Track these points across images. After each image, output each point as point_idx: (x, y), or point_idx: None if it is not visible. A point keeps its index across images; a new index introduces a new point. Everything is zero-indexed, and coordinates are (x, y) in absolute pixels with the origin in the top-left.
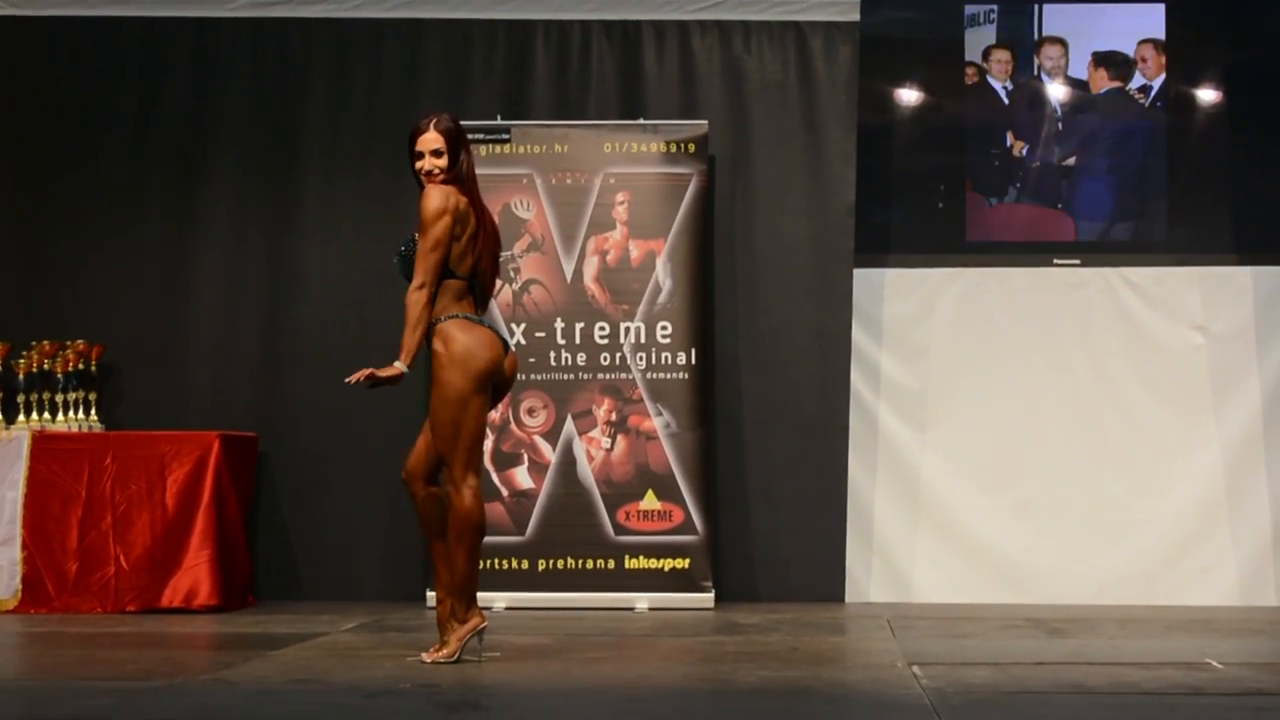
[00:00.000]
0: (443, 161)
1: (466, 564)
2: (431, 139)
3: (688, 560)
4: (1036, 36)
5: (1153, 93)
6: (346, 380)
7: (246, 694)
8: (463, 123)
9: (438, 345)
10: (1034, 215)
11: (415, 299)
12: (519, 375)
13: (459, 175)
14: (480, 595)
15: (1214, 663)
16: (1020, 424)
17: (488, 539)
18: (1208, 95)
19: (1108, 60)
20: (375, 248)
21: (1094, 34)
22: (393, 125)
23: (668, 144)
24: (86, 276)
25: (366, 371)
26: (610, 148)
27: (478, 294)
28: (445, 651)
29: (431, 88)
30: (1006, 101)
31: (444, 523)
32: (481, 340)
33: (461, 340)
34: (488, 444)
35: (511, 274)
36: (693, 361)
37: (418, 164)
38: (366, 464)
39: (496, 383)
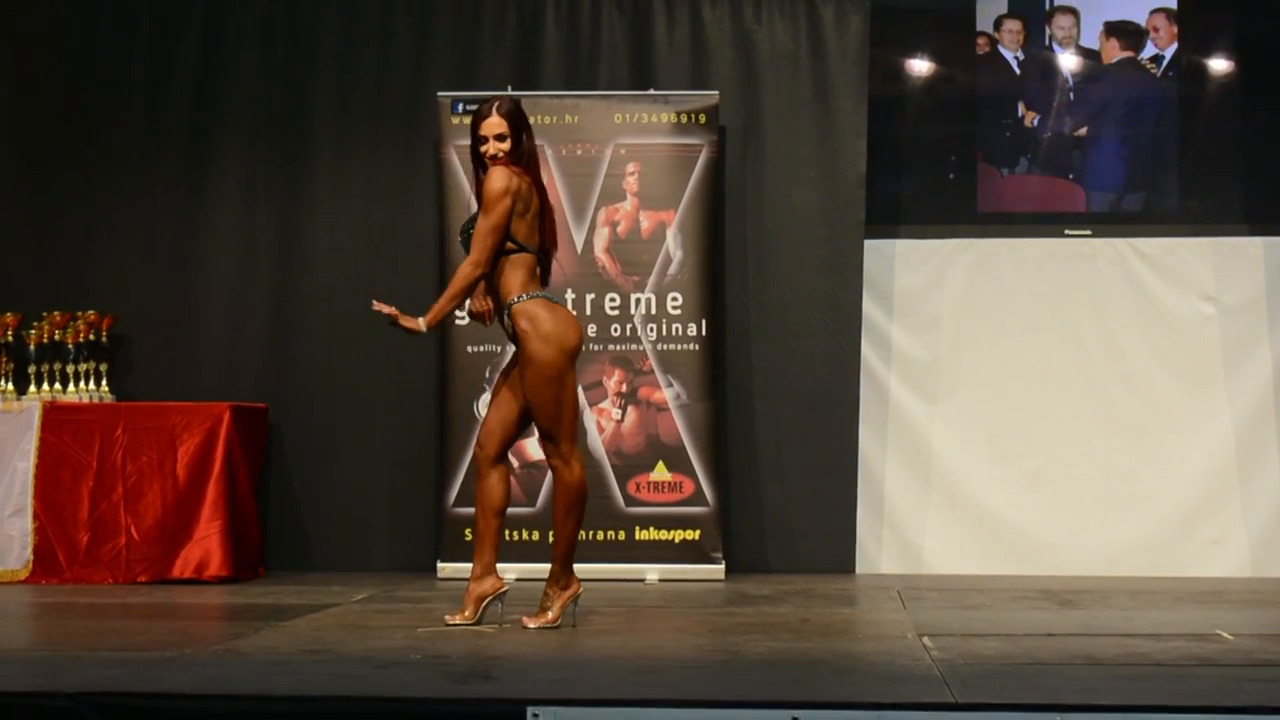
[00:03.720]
0: (505, 145)
1: (575, 531)
2: (495, 123)
3: (698, 531)
4: (1048, 6)
5: (1164, 63)
6: (373, 305)
7: (257, 664)
8: (472, 94)
9: (524, 325)
10: (1045, 186)
11: (465, 273)
12: None
13: (520, 157)
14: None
15: (1224, 634)
16: (1031, 395)
17: None
18: (1219, 65)
19: (1119, 30)
20: (385, 219)
21: (1105, 3)
22: (404, 96)
23: (678, 115)
24: (97, 247)
25: (393, 310)
26: (621, 118)
27: (545, 269)
28: (550, 617)
29: (442, 58)
30: (1018, 71)
31: (508, 499)
32: (567, 318)
33: (548, 319)
34: None
35: None
36: (703, 333)
37: (481, 148)
38: (377, 435)
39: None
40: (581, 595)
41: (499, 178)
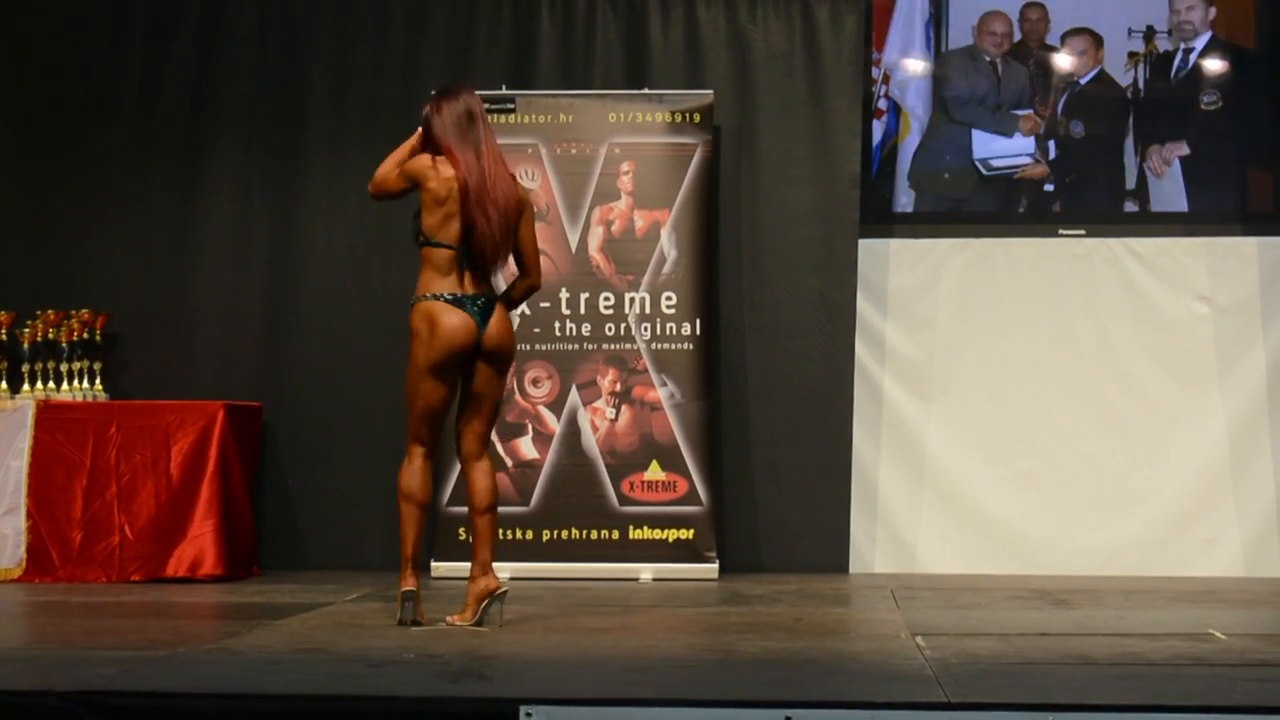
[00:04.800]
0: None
1: (400, 527)
2: None
3: (692, 531)
4: (1039, 5)
5: (1175, 64)
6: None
7: (250, 663)
8: None
9: (413, 323)
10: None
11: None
12: (522, 345)
13: (440, 143)
14: None
15: (1217, 633)
16: (1025, 395)
17: None
18: (1214, 66)
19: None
20: (380, 218)
21: (1098, 4)
22: (398, 94)
23: (673, 114)
24: (91, 246)
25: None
26: (615, 118)
27: (468, 265)
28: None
29: (437, 57)
30: (1009, 72)
31: (493, 497)
32: (445, 326)
33: (426, 325)
34: None
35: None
36: (697, 332)
37: None
38: (371, 434)
39: (485, 354)
40: (505, 593)
41: (421, 157)
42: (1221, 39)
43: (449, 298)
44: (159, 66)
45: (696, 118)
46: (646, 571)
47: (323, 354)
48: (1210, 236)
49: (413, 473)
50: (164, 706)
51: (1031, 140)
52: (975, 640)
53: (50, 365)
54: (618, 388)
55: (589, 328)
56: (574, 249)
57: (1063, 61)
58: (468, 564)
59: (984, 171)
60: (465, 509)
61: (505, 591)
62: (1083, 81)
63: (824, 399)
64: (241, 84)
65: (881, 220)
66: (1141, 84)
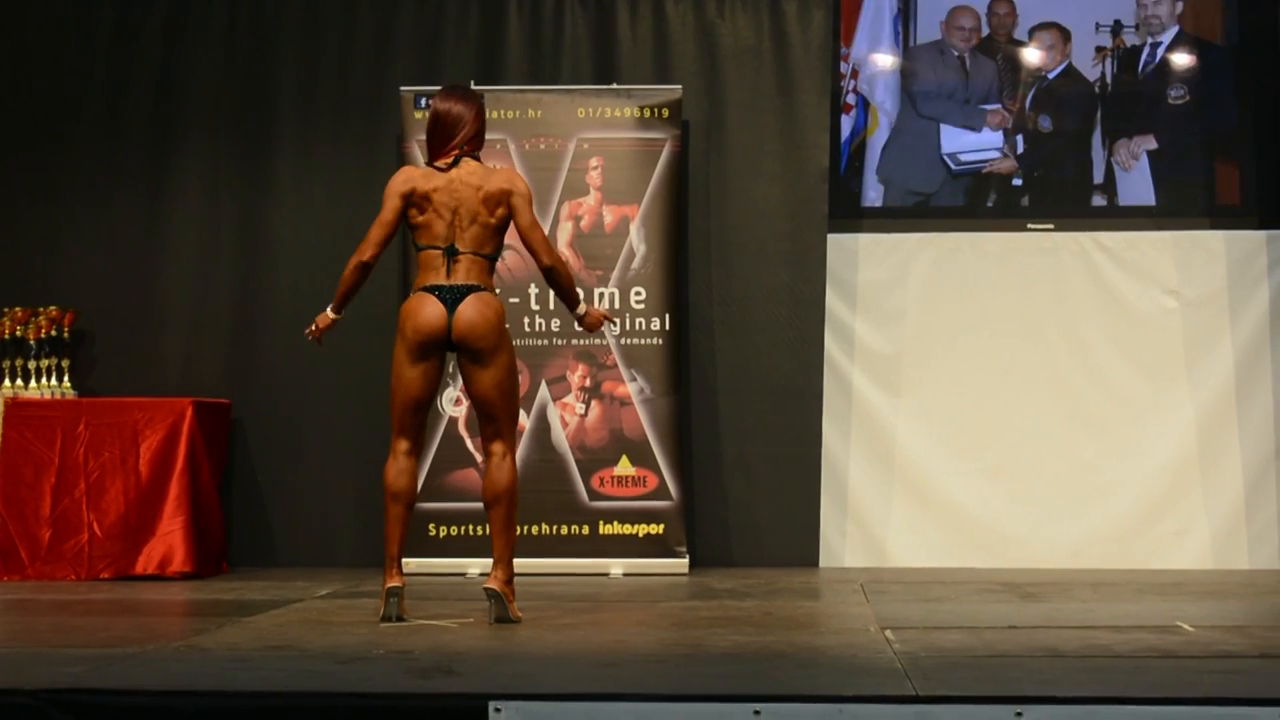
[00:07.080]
0: None
1: (384, 523)
2: None
3: (662, 526)
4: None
5: (1143, 59)
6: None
7: (220, 660)
8: (435, 88)
9: (398, 319)
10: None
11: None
12: None
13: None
14: (454, 561)
15: (1185, 626)
16: (994, 388)
17: (461, 505)
18: (1181, 60)
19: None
20: (349, 214)
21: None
22: (366, 91)
23: (641, 109)
24: (59, 242)
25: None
26: (584, 113)
27: (450, 256)
28: None
29: (405, 53)
30: (977, 66)
31: (493, 491)
32: (410, 311)
33: (406, 317)
34: (461, 411)
35: None
36: (667, 327)
37: None
38: (341, 430)
39: (457, 344)
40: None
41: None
42: (1189, 33)
43: (423, 288)
44: (126, 62)
45: (665, 113)
46: (617, 566)
47: (291, 350)
48: (1178, 230)
49: (397, 470)
50: (133, 704)
51: (999, 135)
52: (944, 634)
53: (18, 362)
54: (587, 383)
55: (558, 323)
56: None
57: (1031, 56)
58: (434, 560)
59: (952, 166)
60: (433, 505)
61: (494, 590)
62: (1051, 76)
63: (793, 393)
64: (209, 80)
65: (850, 215)
66: (1109, 78)
